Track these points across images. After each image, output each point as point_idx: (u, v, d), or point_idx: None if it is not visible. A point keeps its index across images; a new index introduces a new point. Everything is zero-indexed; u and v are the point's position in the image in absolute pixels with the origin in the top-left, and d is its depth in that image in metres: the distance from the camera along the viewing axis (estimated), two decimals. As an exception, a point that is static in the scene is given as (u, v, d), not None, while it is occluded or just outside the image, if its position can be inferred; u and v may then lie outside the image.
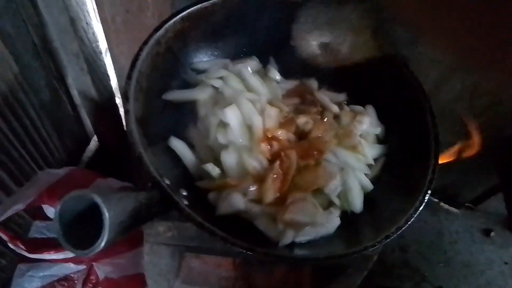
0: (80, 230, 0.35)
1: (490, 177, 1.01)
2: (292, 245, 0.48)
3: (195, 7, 0.54)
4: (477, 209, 1.15)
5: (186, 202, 0.43)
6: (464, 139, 0.95)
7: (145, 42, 0.50)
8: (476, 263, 1.08)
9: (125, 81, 0.46)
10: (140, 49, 0.49)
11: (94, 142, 1.09)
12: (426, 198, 0.48)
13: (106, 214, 0.32)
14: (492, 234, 1.13)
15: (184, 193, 0.46)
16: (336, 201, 0.51)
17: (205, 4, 0.54)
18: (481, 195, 1.11)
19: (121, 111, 1.08)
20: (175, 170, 0.49)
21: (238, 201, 0.47)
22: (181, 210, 0.41)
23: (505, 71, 0.65)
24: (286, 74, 0.63)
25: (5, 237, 0.72)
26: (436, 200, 1.16)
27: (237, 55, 0.63)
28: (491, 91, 0.81)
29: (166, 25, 0.52)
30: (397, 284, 1.02)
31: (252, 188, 0.49)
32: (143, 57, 0.49)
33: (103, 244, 0.32)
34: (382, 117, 0.59)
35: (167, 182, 0.43)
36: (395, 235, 0.45)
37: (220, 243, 0.47)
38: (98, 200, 0.32)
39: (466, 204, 1.16)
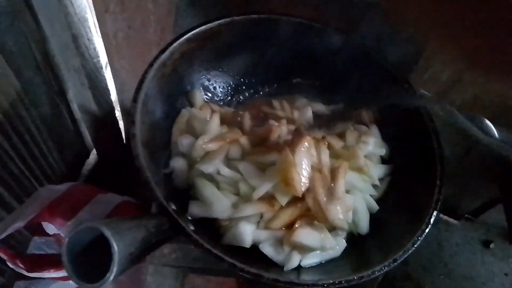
0: (89, 259, 0.34)
1: (490, 188, 1.01)
2: (298, 269, 0.47)
3: (200, 28, 0.54)
4: (477, 220, 1.15)
5: (192, 227, 0.43)
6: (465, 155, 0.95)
7: (151, 65, 0.49)
8: (476, 275, 1.08)
9: (131, 104, 0.46)
10: (146, 72, 0.49)
11: (93, 155, 1.08)
12: (432, 220, 0.48)
13: (116, 248, 0.31)
14: (492, 245, 1.13)
15: (189, 217, 0.46)
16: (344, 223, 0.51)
17: (210, 25, 0.54)
18: (480, 206, 1.11)
19: (121, 124, 1.08)
20: (180, 195, 0.48)
21: (246, 233, 0.47)
22: (189, 236, 0.41)
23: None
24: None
25: (4, 256, 0.72)
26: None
27: (242, 73, 0.64)
28: (491, 104, 0.82)
29: (171, 47, 0.52)
30: (398, 298, 1.02)
31: (263, 217, 0.49)
32: (149, 79, 0.48)
33: (112, 277, 0.32)
34: (386, 137, 0.59)
35: (173, 207, 0.43)
36: (402, 258, 0.45)
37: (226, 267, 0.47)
38: (107, 233, 0.32)
39: (466, 215, 1.16)
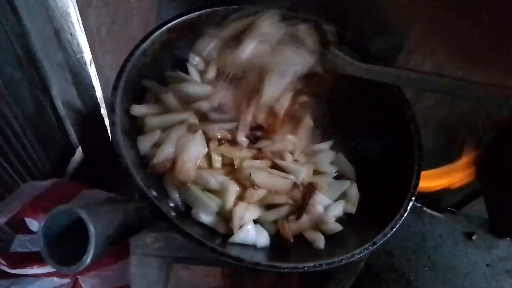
0: (66, 245, 0.34)
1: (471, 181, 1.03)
2: (279, 254, 0.48)
3: (181, 18, 0.54)
4: (459, 213, 1.18)
5: (173, 213, 0.43)
6: (446, 146, 0.97)
7: (131, 53, 0.50)
8: (459, 266, 1.11)
9: (111, 92, 0.46)
10: (126, 60, 0.49)
11: (79, 153, 1.07)
12: (411, 204, 0.49)
13: (92, 230, 0.31)
14: (474, 237, 1.16)
15: (171, 204, 0.46)
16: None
17: (191, 15, 0.55)
18: (462, 199, 1.13)
19: (107, 122, 1.07)
20: (161, 181, 0.48)
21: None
22: (169, 221, 0.41)
23: (489, 73, 0.67)
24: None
25: (-15, 253, 0.71)
26: (419, 205, 1.18)
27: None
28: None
29: (152, 36, 0.52)
30: (383, 289, 1.03)
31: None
32: (129, 68, 0.49)
33: (89, 260, 0.32)
34: (365, 125, 0.60)
35: (154, 193, 0.43)
36: (381, 241, 0.46)
37: (208, 254, 0.48)
38: (84, 215, 0.32)
39: (449, 208, 1.18)
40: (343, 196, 0.55)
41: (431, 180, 0.67)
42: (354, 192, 0.55)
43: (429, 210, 1.19)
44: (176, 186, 0.47)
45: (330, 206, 0.52)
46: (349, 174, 0.58)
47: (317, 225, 0.51)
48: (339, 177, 0.58)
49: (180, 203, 0.48)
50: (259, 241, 0.48)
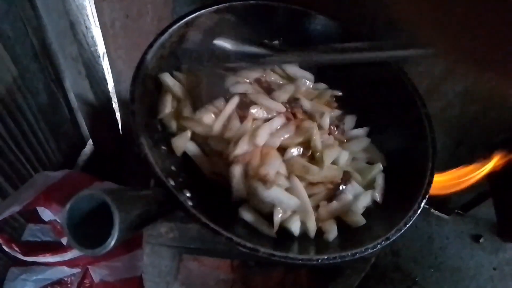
0: (88, 229, 0.35)
1: (480, 183, 1.03)
2: (292, 244, 0.48)
3: (199, 12, 0.55)
4: (467, 215, 1.18)
5: (190, 203, 0.44)
6: (455, 146, 0.97)
7: (150, 46, 0.50)
8: (466, 268, 1.10)
9: (131, 83, 0.47)
10: (145, 52, 0.50)
11: (89, 146, 1.08)
12: (424, 201, 0.49)
13: (117, 214, 0.32)
14: (482, 240, 1.15)
15: (188, 194, 0.47)
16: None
17: (208, 9, 0.56)
18: (470, 201, 1.13)
19: (118, 115, 1.08)
20: (178, 172, 0.49)
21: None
22: (187, 211, 0.42)
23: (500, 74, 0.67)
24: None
25: (-1, 240, 0.72)
26: (427, 206, 1.19)
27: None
28: (482, 97, 0.84)
29: (170, 30, 0.53)
30: (389, 288, 1.04)
31: None
32: (148, 59, 0.49)
33: (113, 243, 0.32)
34: (379, 123, 0.60)
35: (172, 183, 0.44)
36: (395, 237, 0.47)
37: (222, 245, 0.48)
38: (108, 199, 0.32)
39: (456, 210, 1.18)
40: (371, 182, 0.55)
41: (444, 188, 0.67)
42: (381, 179, 0.55)
43: (436, 212, 1.19)
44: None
45: (360, 195, 0.52)
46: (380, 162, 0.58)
47: (343, 214, 0.52)
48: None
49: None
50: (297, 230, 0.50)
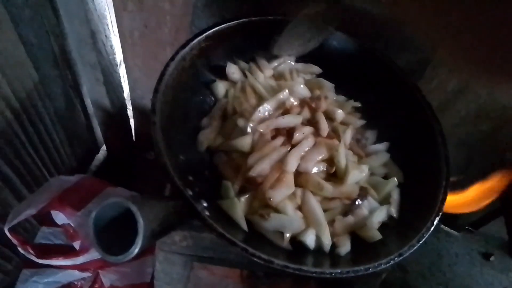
0: (109, 236, 0.36)
1: (491, 201, 1.02)
2: (305, 257, 0.49)
3: (220, 26, 0.56)
4: (477, 232, 1.16)
5: (207, 213, 0.45)
6: (467, 163, 0.97)
7: (172, 58, 0.52)
8: (475, 287, 1.09)
9: (153, 94, 0.48)
10: (167, 65, 0.51)
11: (103, 151, 1.10)
12: (438, 218, 0.50)
13: (141, 222, 0.33)
14: (492, 258, 1.14)
15: (204, 204, 0.47)
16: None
17: (229, 24, 0.57)
18: (481, 218, 1.12)
19: (132, 122, 1.10)
20: (195, 182, 0.50)
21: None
22: (204, 220, 0.43)
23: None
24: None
25: (15, 241, 0.73)
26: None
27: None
28: (495, 114, 0.84)
29: (192, 43, 0.54)
30: (397, 305, 1.02)
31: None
32: (170, 71, 0.51)
33: (137, 250, 0.33)
34: (392, 138, 0.61)
35: (190, 193, 0.45)
36: (407, 253, 0.47)
37: (233, 255, 0.49)
38: (134, 208, 0.33)
39: (467, 227, 1.17)
40: (387, 197, 0.55)
41: (458, 207, 0.67)
42: (397, 194, 0.55)
43: (446, 228, 1.18)
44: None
45: (376, 210, 0.52)
46: (397, 178, 0.57)
47: (358, 229, 0.52)
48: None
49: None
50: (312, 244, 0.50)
